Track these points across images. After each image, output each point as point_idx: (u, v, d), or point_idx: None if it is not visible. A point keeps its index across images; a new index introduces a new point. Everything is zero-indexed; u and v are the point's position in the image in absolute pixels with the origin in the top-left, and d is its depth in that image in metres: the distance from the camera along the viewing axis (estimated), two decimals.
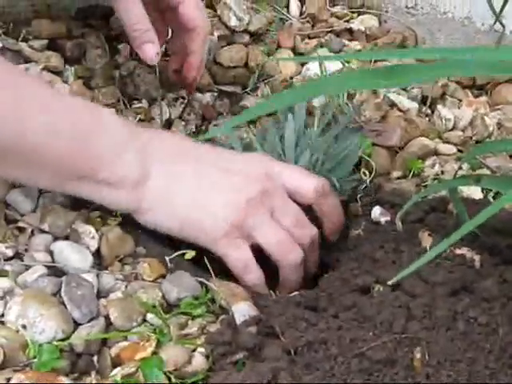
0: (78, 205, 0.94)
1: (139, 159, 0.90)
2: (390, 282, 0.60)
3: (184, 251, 0.90)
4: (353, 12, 1.43)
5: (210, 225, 0.91)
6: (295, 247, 0.94)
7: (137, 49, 1.07)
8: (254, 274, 0.93)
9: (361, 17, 1.42)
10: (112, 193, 0.89)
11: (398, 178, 1.11)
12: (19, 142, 0.83)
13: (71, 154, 0.86)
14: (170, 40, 1.19)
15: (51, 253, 0.88)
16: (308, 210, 0.98)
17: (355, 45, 1.34)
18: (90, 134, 0.88)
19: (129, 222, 0.95)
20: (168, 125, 1.17)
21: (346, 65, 1.26)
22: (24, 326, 0.78)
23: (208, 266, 0.89)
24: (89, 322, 0.81)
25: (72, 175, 0.88)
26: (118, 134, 0.90)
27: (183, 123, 1.18)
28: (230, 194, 0.91)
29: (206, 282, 0.89)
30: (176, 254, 0.91)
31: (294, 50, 1.32)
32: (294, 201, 0.96)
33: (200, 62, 1.15)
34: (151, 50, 1.06)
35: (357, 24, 1.39)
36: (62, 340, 0.78)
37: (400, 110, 1.20)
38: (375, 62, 1.28)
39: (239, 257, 0.92)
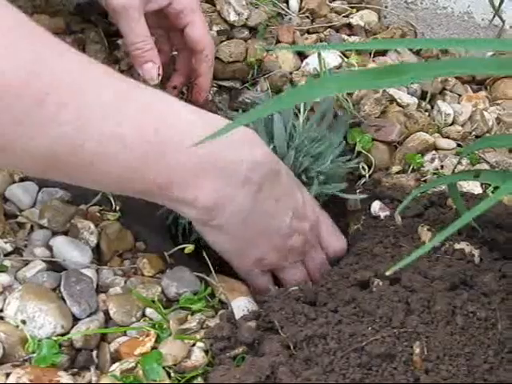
0: (77, 200, 0.94)
1: (219, 186, 0.83)
2: (387, 273, 0.60)
3: (183, 246, 0.90)
4: (352, 7, 1.42)
5: (250, 260, 0.92)
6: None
7: (138, 67, 1.07)
8: (270, 292, 0.95)
9: (360, 12, 1.42)
10: (182, 208, 0.84)
11: (398, 173, 1.11)
12: (75, 155, 0.74)
13: (135, 172, 0.79)
14: (175, 57, 1.19)
15: (50, 248, 0.88)
16: None
17: (355, 40, 1.34)
18: (161, 147, 0.79)
19: (128, 217, 0.95)
20: None
21: (346, 60, 1.26)
22: (23, 321, 0.78)
23: (207, 261, 0.89)
24: (88, 317, 0.81)
25: (137, 191, 0.82)
26: (196, 153, 0.80)
27: None
28: (280, 239, 0.92)
29: (206, 277, 0.89)
30: (175, 248, 0.91)
31: (293, 45, 1.32)
32: None
33: (210, 82, 1.16)
34: (152, 70, 1.06)
35: (356, 19, 1.39)
36: (62, 335, 0.78)
37: (399, 105, 1.20)
38: (374, 56, 1.29)
39: (261, 282, 0.95)
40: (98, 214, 0.94)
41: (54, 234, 0.90)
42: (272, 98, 0.62)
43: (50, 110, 0.71)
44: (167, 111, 0.82)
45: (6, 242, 0.86)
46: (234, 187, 0.84)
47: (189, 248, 0.90)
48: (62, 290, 0.82)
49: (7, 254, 0.86)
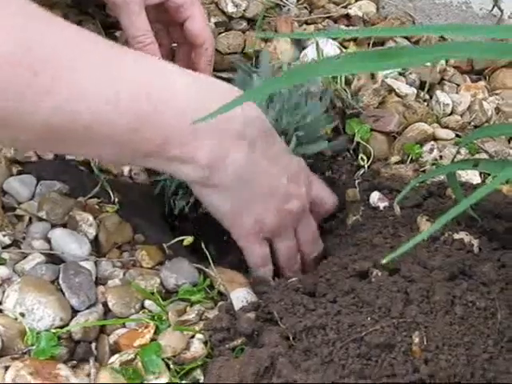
0: (75, 192, 0.94)
1: (215, 141, 0.84)
2: (383, 261, 0.60)
3: (182, 237, 0.90)
4: None
5: (248, 222, 0.92)
6: (298, 261, 0.99)
7: None
8: (268, 267, 0.96)
9: (359, 2, 1.41)
10: (181, 167, 0.85)
11: (397, 164, 1.11)
12: (74, 122, 0.75)
13: (134, 133, 0.79)
14: (175, 52, 1.18)
15: (49, 240, 0.88)
16: None
17: None
18: (157, 106, 0.80)
19: (127, 210, 0.95)
20: None
21: (344, 51, 1.26)
22: (22, 314, 0.78)
23: (206, 252, 0.89)
24: (87, 309, 0.81)
25: (137, 153, 0.83)
26: (191, 107, 0.82)
27: None
28: (278, 201, 0.92)
29: (205, 269, 0.89)
30: (174, 240, 0.91)
31: None
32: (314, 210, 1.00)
33: (210, 76, 1.15)
34: None
35: (354, 10, 1.38)
36: (60, 327, 0.78)
37: (398, 96, 1.19)
38: (373, 46, 1.28)
39: (260, 253, 0.95)
40: (97, 207, 0.94)
41: (53, 226, 0.90)
42: (271, 78, 0.62)
43: (45, 83, 0.72)
44: (161, 74, 0.83)
45: (4, 235, 0.86)
46: (228, 143, 0.85)
47: (188, 240, 0.90)
48: (61, 282, 0.82)
49: (6, 247, 0.86)
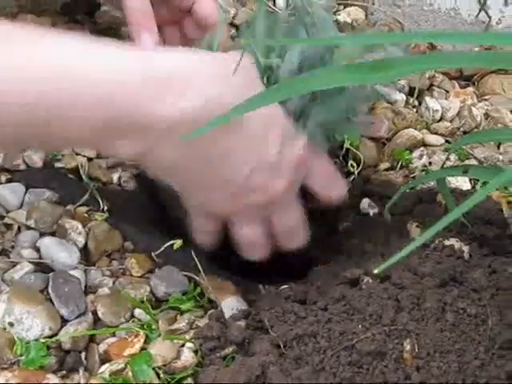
0: (64, 200, 0.94)
1: (135, 143, 0.77)
2: (376, 271, 0.59)
3: (172, 242, 0.90)
4: (339, 4, 1.42)
5: (196, 205, 0.88)
6: (263, 251, 0.92)
7: (135, 35, 0.96)
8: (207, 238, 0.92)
9: (347, 9, 1.42)
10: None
11: (386, 170, 1.11)
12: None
13: (48, 126, 0.74)
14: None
15: (38, 249, 0.87)
16: None
17: None
18: (69, 97, 0.73)
19: (116, 217, 0.95)
20: None
21: None
22: (11, 324, 0.77)
23: (196, 260, 0.89)
24: (76, 318, 0.81)
25: (67, 141, 0.80)
26: (111, 109, 0.74)
27: None
28: (235, 189, 0.84)
29: (195, 277, 0.88)
30: (164, 246, 0.90)
31: None
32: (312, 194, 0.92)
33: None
34: (148, 40, 0.95)
35: (343, 16, 1.39)
36: (50, 337, 0.78)
37: (387, 102, 1.20)
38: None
39: (202, 227, 0.91)
40: (86, 215, 0.94)
41: (42, 234, 0.89)
42: (256, 94, 0.61)
43: None
44: (81, 58, 0.75)
45: None
46: (153, 141, 0.77)
47: (177, 243, 0.90)
48: (50, 291, 0.82)
49: None
